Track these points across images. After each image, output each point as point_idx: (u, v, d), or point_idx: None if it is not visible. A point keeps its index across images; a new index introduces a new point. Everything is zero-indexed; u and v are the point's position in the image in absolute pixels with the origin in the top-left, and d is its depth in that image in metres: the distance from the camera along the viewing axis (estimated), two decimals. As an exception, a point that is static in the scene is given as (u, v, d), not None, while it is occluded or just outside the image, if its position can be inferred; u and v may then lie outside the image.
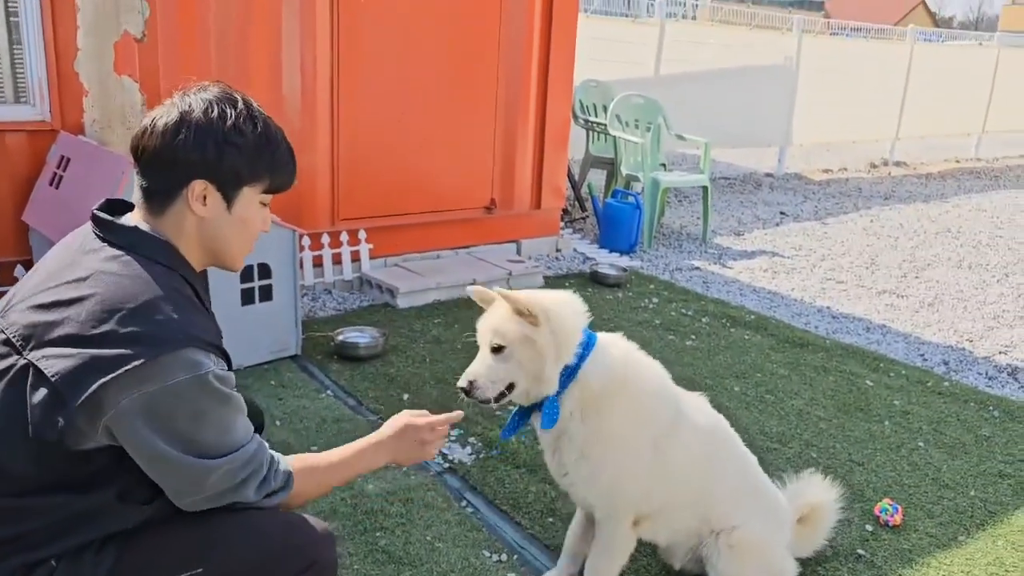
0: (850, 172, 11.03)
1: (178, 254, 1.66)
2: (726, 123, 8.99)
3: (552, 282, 5.40)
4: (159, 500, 1.60)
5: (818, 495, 2.55)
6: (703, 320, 4.89)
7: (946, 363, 4.53)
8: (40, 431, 1.47)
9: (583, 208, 7.13)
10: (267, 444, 1.71)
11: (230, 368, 1.63)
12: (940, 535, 2.84)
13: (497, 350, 2.07)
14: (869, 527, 2.85)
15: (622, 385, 2.13)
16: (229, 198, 1.67)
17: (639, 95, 7.06)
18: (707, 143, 6.90)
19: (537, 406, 2.14)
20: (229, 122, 1.63)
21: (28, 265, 3.90)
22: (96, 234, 1.64)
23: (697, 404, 2.35)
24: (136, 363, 1.46)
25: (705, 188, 6.81)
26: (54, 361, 1.47)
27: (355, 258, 5.04)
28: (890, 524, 2.85)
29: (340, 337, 4.02)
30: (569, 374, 2.09)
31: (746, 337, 4.66)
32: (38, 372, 1.48)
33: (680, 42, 8.86)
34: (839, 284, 5.93)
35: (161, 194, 1.64)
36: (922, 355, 4.62)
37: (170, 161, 1.61)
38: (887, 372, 4.27)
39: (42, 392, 1.47)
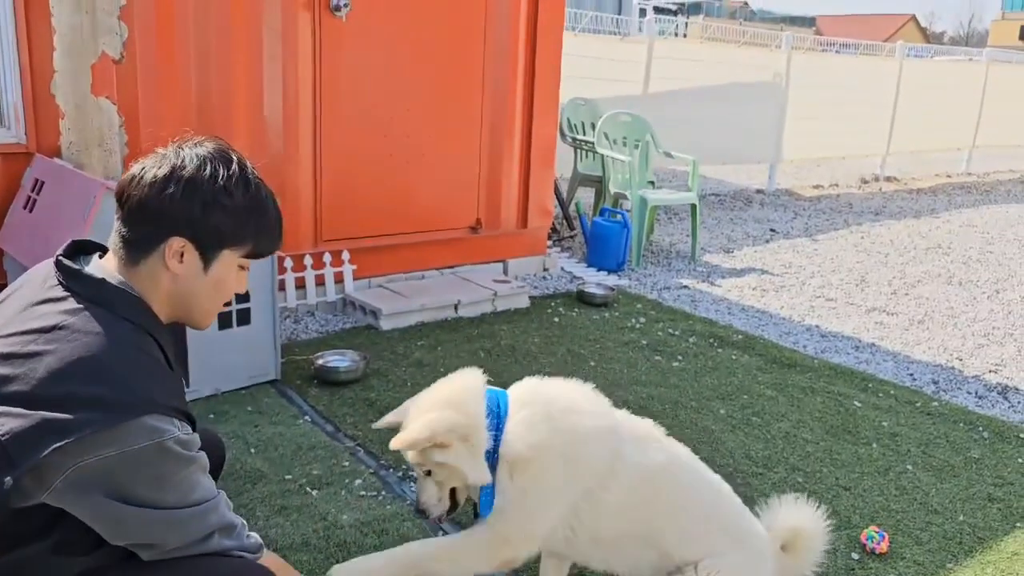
0: (841, 188, 11.02)
1: (148, 311, 1.61)
2: (716, 140, 8.98)
3: (538, 302, 5.35)
4: (98, 551, 1.53)
5: (802, 521, 2.47)
6: (690, 340, 4.84)
7: (935, 382, 4.47)
8: None
9: (571, 226, 7.09)
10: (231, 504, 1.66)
11: (194, 429, 1.58)
12: (928, 563, 2.78)
13: (429, 473, 2.05)
14: (855, 555, 2.79)
15: (547, 444, 2.01)
16: (207, 259, 1.63)
17: (627, 113, 7.05)
18: (695, 161, 6.87)
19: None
20: (220, 182, 1.59)
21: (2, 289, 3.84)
22: (60, 282, 1.58)
23: (645, 436, 2.20)
24: (94, 429, 1.40)
25: (693, 206, 6.78)
26: (5, 420, 1.40)
27: (338, 279, 4.99)
28: (876, 552, 2.79)
29: (319, 361, 3.96)
30: (492, 455, 2.01)
31: (733, 357, 4.61)
32: None
33: (669, 59, 8.85)
34: (828, 302, 5.88)
35: (139, 245, 1.60)
36: (911, 374, 4.57)
37: (154, 214, 1.57)
38: (876, 392, 4.21)
39: None
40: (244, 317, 3.76)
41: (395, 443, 2.02)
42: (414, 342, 4.51)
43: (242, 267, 1.71)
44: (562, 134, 7.03)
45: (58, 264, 1.60)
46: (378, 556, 2.09)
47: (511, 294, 5.18)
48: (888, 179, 11.92)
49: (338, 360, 3.99)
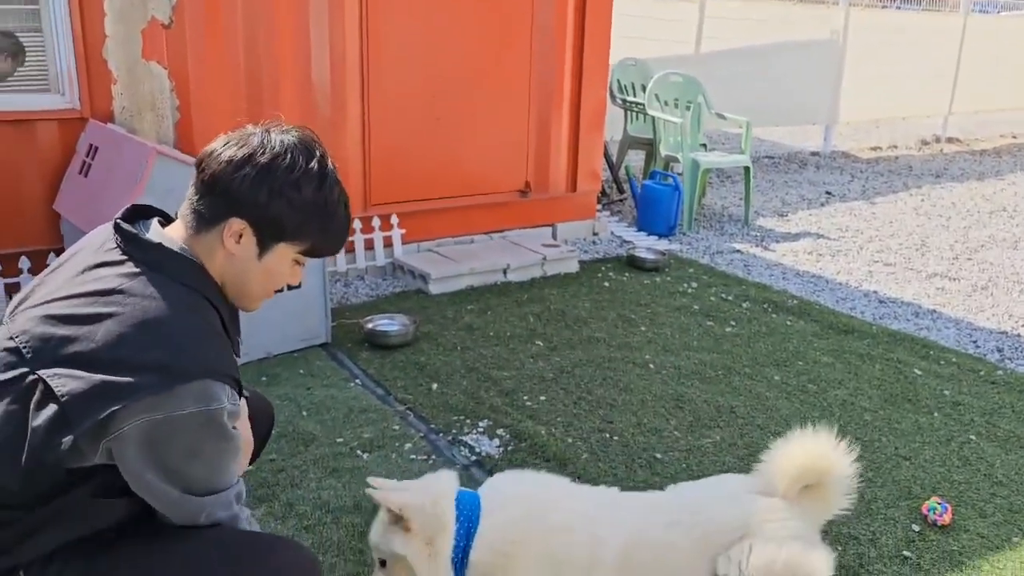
0: (900, 150, 10.66)
1: (207, 277, 1.61)
2: (770, 101, 8.71)
3: (588, 267, 5.29)
4: (134, 496, 1.53)
5: (821, 457, 2.34)
6: (743, 305, 4.74)
7: (1000, 350, 4.32)
8: (40, 453, 1.42)
9: (621, 190, 6.98)
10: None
11: (240, 396, 1.58)
12: (992, 536, 2.69)
13: (383, 564, 1.93)
14: (916, 527, 2.72)
15: (520, 551, 1.92)
16: (263, 246, 1.62)
17: (678, 73, 6.87)
18: (748, 122, 6.69)
19: None
20: (294, 175, 1.57)
21: (60, 253, 3.91)
22: (118, 245, 1.58)
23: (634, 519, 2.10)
24: (150, 392, 1.41)
25: (747, 169, 6.61)
26: (66, 380, 1.42)
27: (387, 244, 4.99)
28: (938, 524, 2.72)
29: (370, 325, 3.96)
30: (460, 559, 1.90)
31: (788, 323, 4.51)
32: (47, 389, 1.43)
33: (722, 18, 8.60)
34: (887, 267, 5.71)
35: (204, 217, 1.60)
36: (974, 341, 4.42)
37: (223, 191, 1.57)
38: (937, 360, 4.08)
39: (48, 411, 1.42)
40: (295, 281, 3.78)
41: (372, 484, 1.91)
42: (463, 306, 4.49)
43: (298, 262, 1.69)
44: (612, 96, 6.89)
45: (116, 228, 1.60)
46: None
47: (560, 258, 5.13)
48: (950, 140, 11.49)
49: (388, 324, 4.00)
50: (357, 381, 3.59)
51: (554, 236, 5.71)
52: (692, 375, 3.80)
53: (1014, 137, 12.33)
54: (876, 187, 8.36)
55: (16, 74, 3.97)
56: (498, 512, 1.96)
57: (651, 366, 3.88)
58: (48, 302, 1.52)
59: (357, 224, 4.82)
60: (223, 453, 1.53)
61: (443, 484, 1.96)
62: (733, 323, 4.48)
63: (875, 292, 5.18)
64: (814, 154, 9.91)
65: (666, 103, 6.79)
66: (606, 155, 6.69)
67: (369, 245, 4.92)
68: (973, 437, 3.34)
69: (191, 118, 4.11)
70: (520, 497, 2.03)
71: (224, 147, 1.59)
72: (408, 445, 3.07)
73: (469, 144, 5.18)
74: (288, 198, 1.56)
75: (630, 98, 7.00)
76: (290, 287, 1.84)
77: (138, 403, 1.41)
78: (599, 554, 2.02)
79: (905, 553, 2.58)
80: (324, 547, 2.45)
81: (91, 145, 3.83)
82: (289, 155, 1.57)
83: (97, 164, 3.73)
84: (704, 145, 6.97)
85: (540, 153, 5.55)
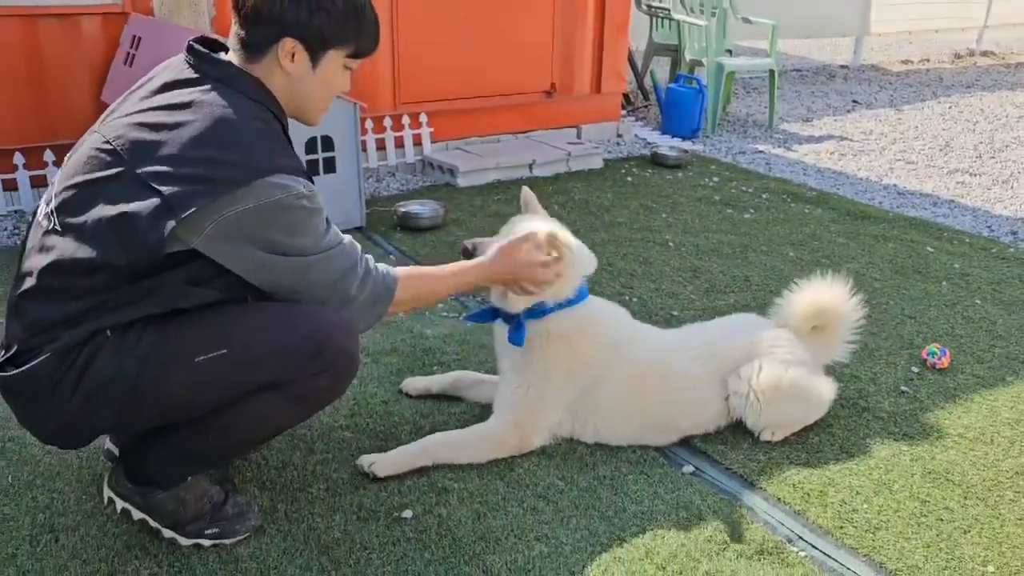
0: (932, 63, 10.51)
1: (269, 93, 1.84)
2: (798, 10, 8.63)
3: (611, 164, 5.42)
4: (225, 290, 1.78)
5: (826, 298, 2.57)
6: (763, 196, 4.87)
7: (1014, 233, 4.43)
8: (144, 236, 1.65)
9: (646, 97, 7.05)
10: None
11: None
12: (988, 377, 2.87)
13: (469, 254, 2.26)
14: (915, 368, 2.90)
15: (572, 339, 2.31)
16: (316, 58, 1.85)
17: (704, -23, 6.86)
18: (774, 26, 6.69)
19: (505, 317, 2.32)
20: None
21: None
22: (191, 64, 1.82)
23: (647, 340, 2.49)
24: (235, 186, 1.66)
25: (772, 72, 6.64)
26: (163, 180, 1.66)
27: (417, 142, 5.16)
28: (937, 367, 2.89)
29: (402, 209, 4.17)
30: (545, 312, 2.28)
31: (806, 211, 4.64)
32: (148, 185, 1.67)
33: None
34: (909, 164, 5.78)
35: (255, 46, 1.82)
36: (989, 227, 4.53)
37: (267, 17, 1.79)
38: (950, 240, 4.21)
39: (152, 202, 1.66)
40: (330, 166, 3.98)
41: (551, 234, 2.24)
42: (491, 196, 4.67)
43: (347, 67, 1.92)
44: (637, 2, 6.91)
45: (190, 49, 1.84)
46: (410, 446, 2.28)
47: (585, 154, 5.27)
48: (984, 54, 11.28)
49: (420, 207, 4.20)
50: (392, 256, 3.81)
51: (579, 137, 5.83)
52: (710, 252, 3.97)
53: (1052, 51, 12.05)
54: (904, 96, 8.32)
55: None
56: (594, 309, 2.38)
57: (671, 244, 4.05)
58: (136, 112, 1.77)
59: (388, 122, 4.99)
60: (317, 221, 1.78)
61: (589, 264, 2.39)
62: (752, 211, 4.61)
63: (895, 185, 5.27)
64: (843, 67, 9.82)
65: (691, 9, 6.80)
66: (631, 62, 6.75)
67: (399, 143, 5.09)
68: (978, 301, 3.48)
69: (226, 14, 4.23)
70: (607, 315, 2.46)
71: None
72: (440, 304, 3.30)
73: (495, 46, 5.29)
74: (325, 10, 1.80)
75: (655, 3, 7.01)
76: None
77: (226, 196, 1.66)
78: (613, 368, 2.35)
79: (903, 388, 2.76)
80: (366, 380, 2.69)
81: (134, 36, 4.02)
82: None
83: (141, 53, 3.92)
84: (729, 51, 6.99)
85: (565, 54, 5.64)
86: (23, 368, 1.74)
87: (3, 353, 1.80)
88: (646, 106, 6.99)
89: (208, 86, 1.78)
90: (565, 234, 2.30)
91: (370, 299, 1.89)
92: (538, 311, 2.29)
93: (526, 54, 5.49)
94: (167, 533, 1.96)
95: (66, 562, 1.90)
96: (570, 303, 2.31)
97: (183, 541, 1.96)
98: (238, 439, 1.93)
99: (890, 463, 2.35)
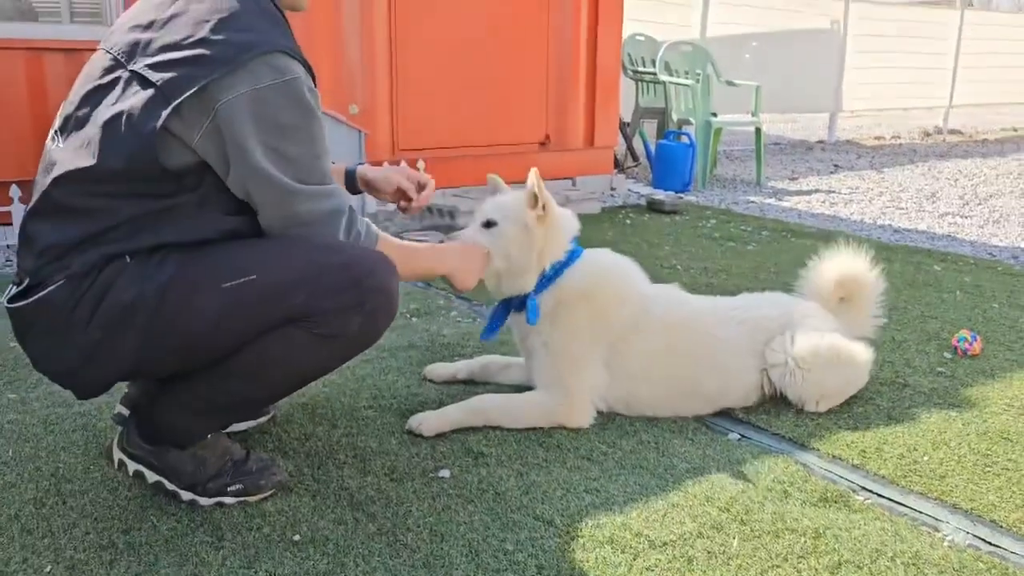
0: (903, 139, 10.88)
1: None
2: (775, 87, 8.93)
3: (608, 212, 5.44)
4: (237, 216, 1.68)
5: (853, 268, 2.55)
6: (763, 233, 4.89)
7: (1015, 257, 4.45)
8: (140, 130, 1.56)
9: (635, 158, 7.17)
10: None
11: (314, 81, 1.72)
12: (1022, 360, 2.80)
13: (489, 225, 2.21)
14: (947, 354, 2.83)
15: (588, 294, 2.25)
16: None
17: (688, 43, 7.12)
18: (758, 87, 6.90)
19: (515, 304, 2.27)
20: None
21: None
22: None
23: (672, 297, 2.45)
24: (229, 65, 1.57)
25: (758, 130, 6.80)
26: (157, 66, 1.59)
27: (415, 188, 5.15)
28: (968, 353, 2.82)
29: (406, 237, 4.11)
30: (548, 280, 2.23)
31: (807, 244, 4.64)
32: (142, 78, 1.59)
33: (726, 4, 8.88)
34: (900, 209, 5.86)
35: None
36: (990, 253, 4.55)
37: None
38: (955, 262, 4.22)
39: (146, 93, 1.58)
40: (334, 193, 3.94)
41: (534, 180, 2.20)
42: (492, 233, 4.64)
43: None
44: (623, 68, 7.11)
45: None
46: (456, 406, 2.21)
47: (582, 199, 5.30)
48: (952, 132, 11.71)
49: (423, 236, 4.15)
50: (398, 278, 3.73)
51: (574, 186, 5.88)
52: (720, 272, 3.94)
53: (1015, 130, 12.55)
54: (883, 162, 8.55)
55: (72, 6, 4.20)
56: (589, 264, 2.31)
57: (679, 267, 4.02)
58: (132, 20, 1.71)
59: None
60: (314, 129, 1.66)
61: (573, 222, 2.33)
62: (754, 244, 4.62)
63: (890, 224, 5.33)
64: (820, 142, 10.14)
65: (676, 72, 7.01)
66: (621, 125, 6.89)
67: (398, 189, 5.09)
68: (995, 305, 3.45)
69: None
70: (615, 264, 2.42)
71: None
72: (454, 312, 3.21)
73: (492, 97, 5.39)
74: None
75: (641, 69, 7.22)
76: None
77: (222, 77, 1.55)
78: (639, 325, 2.28)
79: (939, 370, 2.68)
80: (386, 371, 2.57)
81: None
82: None
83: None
84: (714, 114, 7.17)
85: (559, 108, 5.76)
86: (35, 297, 1.63)
87: (16, 288, 1.69)
88: (635, 166, 7.10)
89: None
90: (550, 200, 2.24)
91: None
92: (540, 284, 2.22)
93: (521, 106, 5.60)
94: (186, 495, 1.80)
95: (75, 520, 1.73)
96: (565, 264, 2.25)
97: (204, 501, 1.80)
98: (263, 385, 1.77)
99: (942, 426, 2.25)
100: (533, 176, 2.18)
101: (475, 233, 2.23)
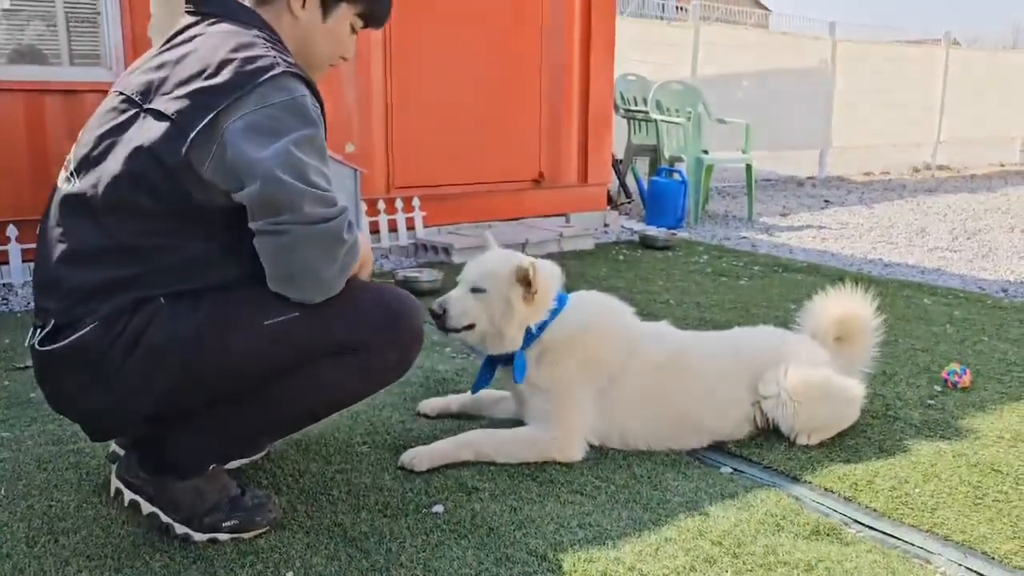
0: (892, 175, 11.01)
1: (272, 29, 1.81)
2: (765, 124, 9.06)
3: (601, 247, 5.49)
4: (257, 259, 1.69)
5: (849, 308, 2.57)
6: (754, 268, 4.93)
7: (1004, 290, 4.50)
8: (165, 155, 1.61)
9: (628, 195, 7.24)
10: None
11: (320, 104, 1.76)
12: (1012, 393, 2.82)
13: (477, 291, 2.22)
14: (937, 387, 2.84)
15: (576, 341, 2.27)
16: (327, 8, 1.86)
17: (679, 82, 7.23)
18: (748, 125, 7.00)
19: (501, 360, 2.29)
20: None
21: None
22: (189, 12, 1.82)
23: (662, 333, 2.45)
24: (240, 91, 1.61)
25: (748, 166, 6.89)
26: (171, 103, 1.63)
27: (410, 225, 5.20)
28: (958, 386, 2.84)
29: (401, 274, 4.14)
30: (533, 337, 2.25)
31: (798, 278, 4.69)
32: (158, 113, 1.64)
33: (717, 44, 9.04)
34: (890, 244, 5.92)
35: None
36: (979, 287, 4.60)
37: None
38: (944, 296, 4.26)
39: (162, 127, 1.62)
40: (329, 231, 3.98)
41: (521, 260, 2.21)
42: (486, 270, 4.67)
43: (354, 29, 1.92)
44: (615, 107, 7.21)
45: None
46: (449, 440, 2.22)
47: (576, 235, 5.34)
48: (940, 167, 11.86)
49: (418, 273, 4.18)
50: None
51: (568, 223, 5.93)
52: (712, 306, 3.97)
53: (1002, 166, 12.72)
54: (873, 197, 8.65)
55: (71, 48, 4.26)
56: (574, 313, 2.29)
57: (672, 302, 4.05)
58: (144, 63, 1.77)
59: (381, 205, 5.05)
60: (316, 138, 1.67)
61: (557, 279, 2.33)
62: (747, 279, 4.65)
63: (880, 259, 5.38)
64: (810, 178, 10.26)
65: (667, 111, 7.11)
66: (613, 163, 6.96)
67: (392, 226, 5.13)
68: (985, 338, 3.48)
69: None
70: (601, 306, 2.40)
71: None
72: (448, 348, 3.22)
73: (486, 135, 5.47)
74: None
75: (633, 107, 7.32)
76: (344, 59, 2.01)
77: (234, 105, 1.59)
78: (629, 365, 2.29)
79: (929, 402, 2.70)
80: (379, 407, 2.57)
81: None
82: None
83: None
84: (705, 152, 7.26)
85: (552, 146, 5.85)
86: (68, 340, 1.64)
87: (39, 331, 1.70)
88: (628, 202, 7.17)
89: (209, 22, 1.77)
90: (533, 261, 2.25)
91: (343, 264, 1.72)
92: (526, 339, 2.24)
93: (515, 144, 5.67)
94: (179, 529, 1.80)
95: (68, 558, 1.73)
96: (553, 314, 2.27)
97: (198, 537, 1.79)
98: (290, 414, 1.83)
99: (933, 458, 2.26)
100: (530, 268, 2.19)
101: (463, 296, 2.24)
